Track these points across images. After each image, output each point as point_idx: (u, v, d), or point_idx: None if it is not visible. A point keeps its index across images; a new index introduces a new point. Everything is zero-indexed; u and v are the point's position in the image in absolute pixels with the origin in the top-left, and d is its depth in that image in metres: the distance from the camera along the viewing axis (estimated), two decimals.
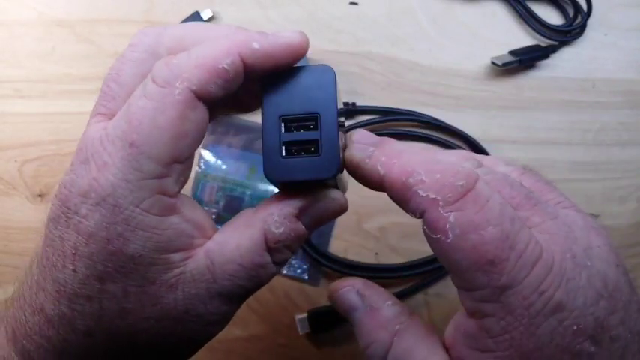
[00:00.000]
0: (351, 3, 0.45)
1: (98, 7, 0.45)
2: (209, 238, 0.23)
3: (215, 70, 0.20)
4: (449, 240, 0.20)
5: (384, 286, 0.44)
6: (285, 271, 0.44)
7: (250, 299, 0.45)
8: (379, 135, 0.44)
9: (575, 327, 0.20)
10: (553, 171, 0.45)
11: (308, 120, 0.22)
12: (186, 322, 0.23)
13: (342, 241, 0.45)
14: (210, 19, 0.44)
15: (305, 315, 0.43)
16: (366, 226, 0.45)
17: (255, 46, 0.21)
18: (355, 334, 0.25)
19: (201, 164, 0.45)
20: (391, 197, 0.23)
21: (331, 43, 0.45)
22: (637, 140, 0.45)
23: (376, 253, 0.45)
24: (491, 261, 0.20)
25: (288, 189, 0.23)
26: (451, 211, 0.20)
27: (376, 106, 0.45)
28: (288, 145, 0.22)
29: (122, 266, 0.21)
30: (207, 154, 0.45)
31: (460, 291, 0.21)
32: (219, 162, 0.45)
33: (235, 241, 0.22)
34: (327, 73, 0.22)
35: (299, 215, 0.23)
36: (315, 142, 0.22)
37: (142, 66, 0.22)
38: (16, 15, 0.45)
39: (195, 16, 0.44)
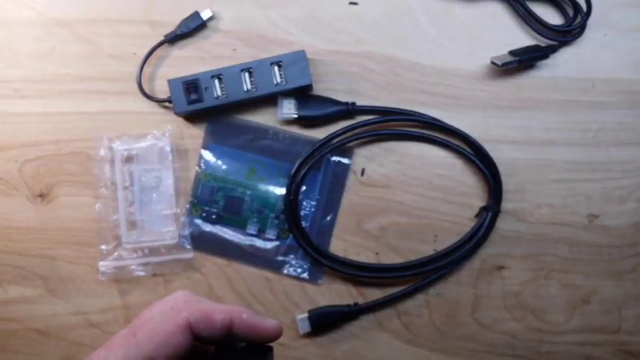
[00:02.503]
0: (351, 3, 0.45)
1: (98, 7, 0.45)
2: None
3: (210, 317, 0.27)
4: None
5: (385, 286, 0.45)
6: (285, 271, 0.45)
7: (251, 299, 0.45)
8: (379, 135, 0.44)
9: None
10: (552, 171, 0.45)
11: None
12: None
13: (343, 241, 0.45)
14: (209, 19, 0.44)
15: (306, 315, 0.44)
16: (366, 226, 0.45)
17: (244, 316, 0.28)
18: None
19: (202, 164, 0.45)
20: None
21: (331, 43, 0.45)
22: (636, 140, 0.45)
23: (376, 253, 0.45)
24: None
25: None
26: None
27: (376, 106, 0.45)
28: None
29: None
30: (207, 154, 0.45)
31: None
32: (220, 162, 0.45)
33: None
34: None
35: None
36: None
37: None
38: (16, 14, 0.45)
39: (195, 16, 0.44)
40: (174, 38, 0.44)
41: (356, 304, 0.44)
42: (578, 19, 0.44)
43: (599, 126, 0.45)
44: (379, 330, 0.44)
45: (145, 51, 0.44)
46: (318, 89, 0.45)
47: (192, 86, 0.43)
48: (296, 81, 0.43)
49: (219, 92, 0.43)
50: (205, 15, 0.44)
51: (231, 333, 0.27)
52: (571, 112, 0.45)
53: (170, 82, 0.43)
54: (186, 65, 0.45)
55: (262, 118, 0.45)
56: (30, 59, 0.45)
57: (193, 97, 0.43)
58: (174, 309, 0.27)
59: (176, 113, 0.43)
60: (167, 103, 0.44)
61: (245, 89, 0.43)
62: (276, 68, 0.43)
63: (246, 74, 0.43)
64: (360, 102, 0.44)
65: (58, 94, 0.45)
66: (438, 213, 0.45)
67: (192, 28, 0.44)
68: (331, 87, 0.45)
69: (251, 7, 0.45)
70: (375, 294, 0.44)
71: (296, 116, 0.44)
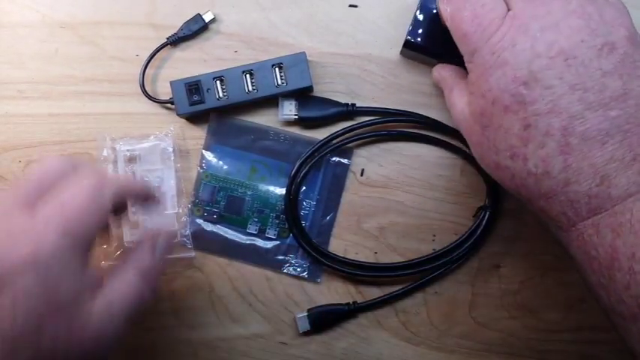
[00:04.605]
0: (351, 5, 0.46)
1: (101, 10, 0.46)
2: None
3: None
4: (448, 23, 0.34)
5: (383, 285, 0.45)
6: (285, 270, 0.45)
7: (251, 298, 0.45)
8: (379, 135, 0.45)
9: (513, 76, 0.29)
10: None
11: None
12: None
13: (342, 241, 0.45)
14: (211, 22, 0.45)
15: (305, 314, 0.44)
16: (365, 225, 0.45)
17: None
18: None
19: (203, 164, 0.45)
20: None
21: (331, 45, 0.46)
22: None
23: (375, 253, 0.45)
24: (464, 34, 0.32)
25: None
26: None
27: (376, 108, 0.45)
28: None
29: None
30: (208, 155, 0.45)
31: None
32: (221, 162, 0.46)
33: None
34: None
35: None
36: None
37: None
38: (20, 17, 0.46)
39: (197, 19, 0.45)
40: (176, 40, 0.45)
41: (355, 302, 0.44)
42: None
43: None
44: (378, 328, 0.45)
45: (148, 53, 0.45)
46: (319, 90, 0.45)
47: (194, 88, 0.43)
48: (296, 82, 0.43)
49: (220, 94, 0.43)
50: (207, 17, 0.45)
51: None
52: None
53: (172, 83, 0.43)
54: (189, 67, 0.45)
55: (263, 119, 0.46)
56: (34, 61, 0.46)
57: (195, 98, 0.43)
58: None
59: (178, 114, 0.44)
60: (169, 105, 0.45)
61: (246, 91, 0.43)
62: (276, 70, 0.43)
63: (248, 76, 0.43)
64: (360, 103, 0.45)
65: (62, 95, 0.46)
66: (437, 213, 0.45)
67: (194, 30, 0.45)
68: (331, 88, 0.45)
69: (252, 10, 0.46)
70: (373, 293, 0.45)
71: (296, 117, 0.44)
